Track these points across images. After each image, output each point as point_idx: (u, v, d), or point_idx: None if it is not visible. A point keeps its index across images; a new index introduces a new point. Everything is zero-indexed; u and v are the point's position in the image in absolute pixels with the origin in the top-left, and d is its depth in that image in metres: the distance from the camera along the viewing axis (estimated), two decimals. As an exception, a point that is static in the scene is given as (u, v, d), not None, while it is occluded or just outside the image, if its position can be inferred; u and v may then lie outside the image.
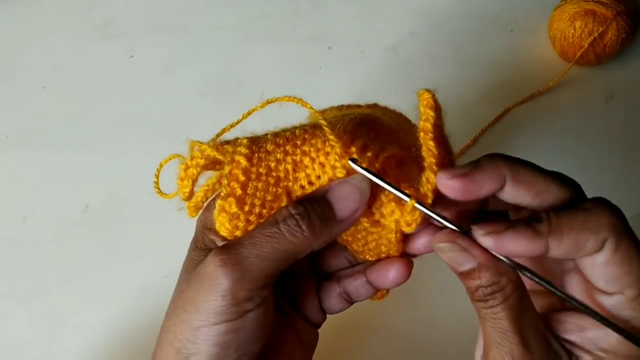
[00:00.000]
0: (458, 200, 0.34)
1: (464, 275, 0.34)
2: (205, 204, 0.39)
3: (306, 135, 0.37)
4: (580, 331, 0.35)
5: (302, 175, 0.37)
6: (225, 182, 0.36)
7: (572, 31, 0.68)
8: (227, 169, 0.36)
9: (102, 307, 0.62)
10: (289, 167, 0.37)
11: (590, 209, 0.32)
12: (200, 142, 0.38)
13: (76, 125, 0.75)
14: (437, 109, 0.36)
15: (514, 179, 0.33)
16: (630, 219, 0.33)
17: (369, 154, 0.36)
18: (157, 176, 0.41)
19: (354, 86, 0.74)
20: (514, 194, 0.34)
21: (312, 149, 0.37)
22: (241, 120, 0.41)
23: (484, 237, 0.32)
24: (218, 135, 0.40)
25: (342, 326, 0.60)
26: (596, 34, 0.67)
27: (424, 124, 0.35)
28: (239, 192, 0.36)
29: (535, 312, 0.35)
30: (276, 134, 0.38)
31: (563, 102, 0.71)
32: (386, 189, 0.35)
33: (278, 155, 0.37)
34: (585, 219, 0.32)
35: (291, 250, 0.34)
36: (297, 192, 0.37)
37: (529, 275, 0.33)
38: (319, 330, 0.44)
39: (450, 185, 0.33)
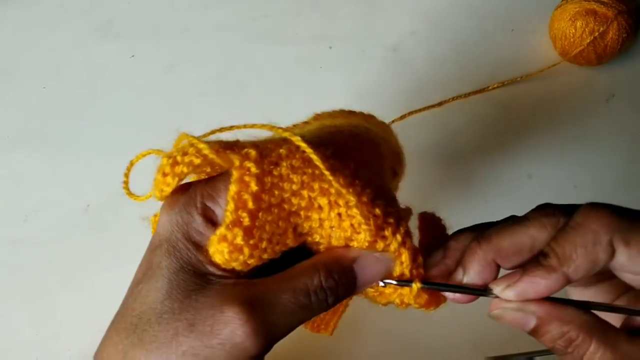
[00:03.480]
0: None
1: (535, 334, 0.33)
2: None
3: (327, 165, 0.32)
4: None
5: (315, 216, 0.33)
6: (232, 206, 0.31)
7: (573, 31, 0.68)
8: (232, 189, 0.31)
9: (103, 307, 0.62)
10: (303, 203, 0.32)
11: (582, 223, 0.31)
12: (196, 138, 0.32)
13: (77, 125, 0.75)
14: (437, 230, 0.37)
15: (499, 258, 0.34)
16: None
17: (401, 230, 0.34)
18: (126, 175, 0.36)
19: (354, 86, 0.74)
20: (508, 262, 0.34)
21: (333, 191, 0.32)
22: (230, 129, 0.34)
23: (504, 292, 0.32)
24: (211, 133, 0.34)
25: (340, 325, 0.60)
26: (597, 33, 0.67)
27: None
28: (247, 222, 0.31)
29: (629, 340, 0.32)
30: (291, 151, 0.32)
31: (564, 102, 0.71)
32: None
33: (294, 186, 0.32)
34: (582, 235, 0.31)
35: (310, 318, 0.33)
36: (305, 229, 0.33)
37: (595, 309, 0.33)
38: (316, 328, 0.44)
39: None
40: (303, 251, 0.35)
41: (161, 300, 0.31)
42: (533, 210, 0.34)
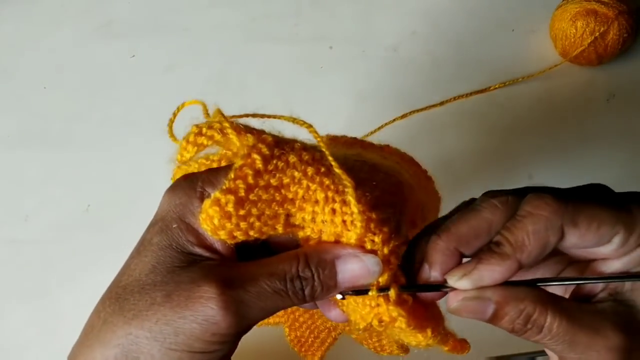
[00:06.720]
0: None
1: (494, 320, 0.33)
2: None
3: (333, 167, 0.33)
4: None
5: (309, 208, 0.33)
6: (232, 175, 0.32)
7: (574, 31, 0.68)
8: (238, 162, 0.33)
9: (103, 306, 0.62)
10: (301, 192, 0.33)
11: (532, 211, 0.33)
12: (226, 117, 0.35)
13: (77, 125, 0.75)
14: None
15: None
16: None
17: (390, 245, 0.33)
18: (174, 116, 0.39)
19: (355, 86, 0.74)
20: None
21: (332, 187, 0.33)
22: (261, 117, 0.37)
23: (460, 282, 0.33)
24: (245, 116, 0.37)
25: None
26: (597, 33, 0.67)
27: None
28: (241, 193, 0.32)
29: (579, 307, 0.34)
30: (305, 147, 0.34)
31: (565, 102, 0.71)
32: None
33: (296, 173, 0.33)
34: (534, 222, 0.32)
35: (287, 306, 0.33)
36: (297, 220, 0.34)
37: (550, 284, 0.34)
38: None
39: None
40: None
41: (146, 274, 0.32)
42: (481, 196, 0.35)
